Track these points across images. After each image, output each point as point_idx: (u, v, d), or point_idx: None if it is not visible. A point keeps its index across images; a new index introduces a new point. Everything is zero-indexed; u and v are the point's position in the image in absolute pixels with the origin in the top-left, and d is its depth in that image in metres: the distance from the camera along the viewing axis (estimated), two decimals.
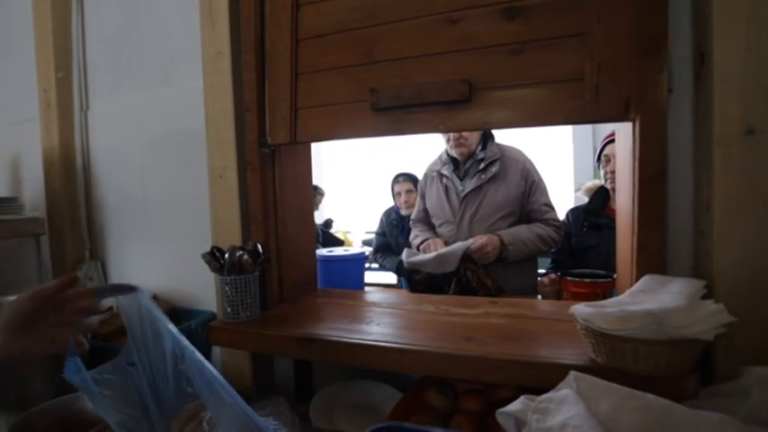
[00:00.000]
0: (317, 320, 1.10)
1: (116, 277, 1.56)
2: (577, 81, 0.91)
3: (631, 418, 0.55)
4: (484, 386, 0.97)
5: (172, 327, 0.68)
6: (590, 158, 4.64)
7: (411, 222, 1.84)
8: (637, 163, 0.86)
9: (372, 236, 5.20)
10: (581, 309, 0.76)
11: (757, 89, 0.76)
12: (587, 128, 4.59)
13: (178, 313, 1.37)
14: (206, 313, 1.34)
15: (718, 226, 0.79)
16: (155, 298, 1.40)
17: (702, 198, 0.84)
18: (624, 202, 1.01)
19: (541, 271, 1.72)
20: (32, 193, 1.62)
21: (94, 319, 0.66)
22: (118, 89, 1.50)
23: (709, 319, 0.67)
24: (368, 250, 2.25)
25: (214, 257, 1.09)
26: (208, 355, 1.38)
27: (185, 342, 0.68)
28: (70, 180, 1.53)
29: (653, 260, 0.86)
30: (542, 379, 0.76)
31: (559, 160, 4.52)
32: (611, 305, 0.75)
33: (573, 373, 0.66)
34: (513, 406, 0.61)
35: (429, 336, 0.95)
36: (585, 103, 0.90)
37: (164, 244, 1.46)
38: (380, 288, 1.75)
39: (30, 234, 1.46)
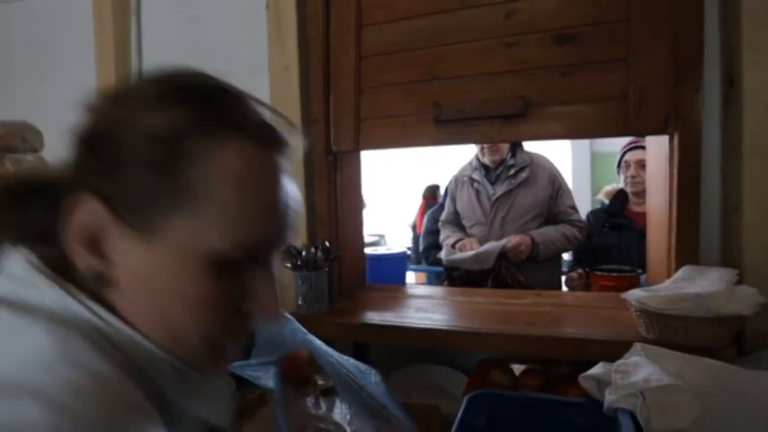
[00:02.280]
0: (381, 311, 1.22)
1: None
2: (621, 99, 1.05)
3: (697, 375, 0.69)
4: (541, 365, 1.10)
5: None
6: (587, 162, 4.85)
7: (441, 224, 1.98)
8: (675, 171, 1.01)
9: (375, 238, 5.32)
10: (635, 293, 0.90)
11: None
12: None
13: None
14: None
15: (746, 225, 0.93)
16: None
17: (731, 201, 0.98)
18: (657, 205, 1.16)
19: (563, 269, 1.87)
20: None
21: None
22: None
23: (747, 299, 0.81)
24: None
25: (290, 255, 1.20)
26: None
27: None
28: None
29: (689, 254, 1.01)
30: (603, 354, 0.88)
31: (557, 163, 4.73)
32: (662, 290, 0.89)
33: (638, 344, 0.79)
34: (595, 370, 0.75)
35: (492, 321, 1.08)
36: (629, 118, 1.04)
37: None
38: (419, 284, 1.87)
39: None
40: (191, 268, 0.36)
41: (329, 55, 1.31)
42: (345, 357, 0.95)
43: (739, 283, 0.91)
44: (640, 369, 0.71)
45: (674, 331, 0.85)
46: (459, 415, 0.75)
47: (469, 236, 1.80)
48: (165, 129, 0.36)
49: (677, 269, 1.00)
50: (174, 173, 0.35)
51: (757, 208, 0.93)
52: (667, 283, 0.96)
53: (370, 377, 0.94)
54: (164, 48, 1.61)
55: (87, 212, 0.36)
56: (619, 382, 0.69)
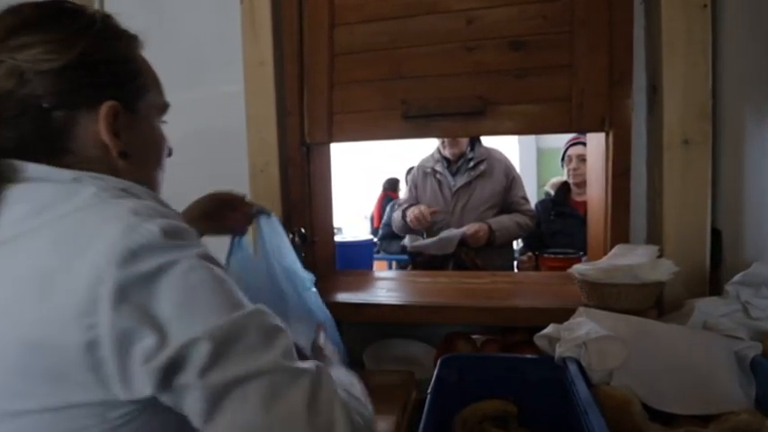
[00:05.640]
0: (354, 291, 1.32)
1: None
2: (566, 101, 1.20)
3: (626, 329, 0.84)
4: (499, 335, 1.24)
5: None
6: (533, 157, 5.17)
7: (398, 206, 2.10)
8: (610, 163, 1.18)
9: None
10: (578, 267, 1.06)
11: (691, 113, 1.09)
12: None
13: None
14: None
15: (666, 209, 1.11)
16: None
17: (654, 188, 1.16)
18: (596, 193, 1.33)
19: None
20: None
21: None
22: None
23: (664, 269, 0.99)
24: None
25: None
26: None
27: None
28: None
29: (621, 234, 1.18)
30: (552, 320, 1.04)
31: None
32: (599, 264, 1.05)
33: (581, 308, 0.95)
34: (547, 330, 0.89)
35: (456, 297, 1.21)
36: (572, 118, 1.20)
37: None
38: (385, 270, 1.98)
39: None
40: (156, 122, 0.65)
41: (303, 51, 1.38)
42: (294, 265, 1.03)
43: (660, 256, 1.08)
44: (583, 326, 0.85)
45: (609, 297, 1.01)
46: (436, 372, 0.86)
47: (432, 223, 1.93)
48: (127, 53, 0.61)
49: (612, 247, 1.17)
50: (137, 76, 0.62)
51: (674, 194, 1.12)
52: (604, 259, 1.12)
53: (306, 282, 1.04)
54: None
55: (112, 111, 0.55)
56: (566, 337, 0.83)
